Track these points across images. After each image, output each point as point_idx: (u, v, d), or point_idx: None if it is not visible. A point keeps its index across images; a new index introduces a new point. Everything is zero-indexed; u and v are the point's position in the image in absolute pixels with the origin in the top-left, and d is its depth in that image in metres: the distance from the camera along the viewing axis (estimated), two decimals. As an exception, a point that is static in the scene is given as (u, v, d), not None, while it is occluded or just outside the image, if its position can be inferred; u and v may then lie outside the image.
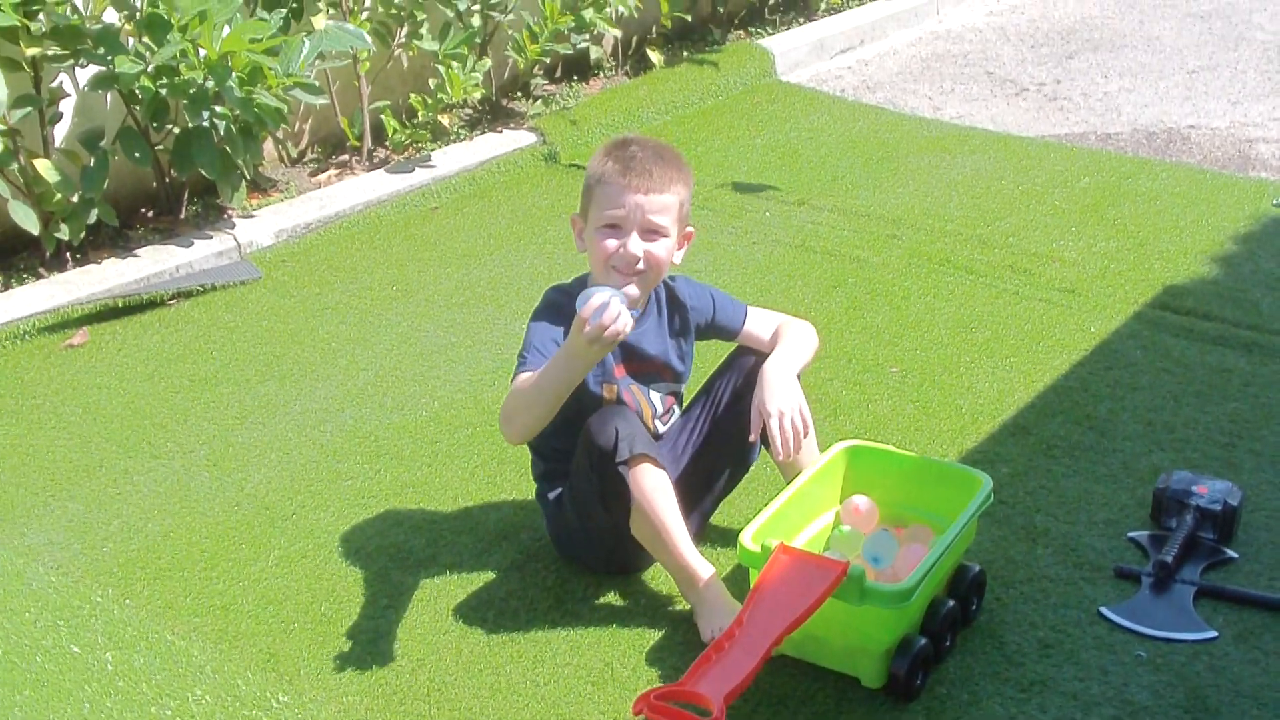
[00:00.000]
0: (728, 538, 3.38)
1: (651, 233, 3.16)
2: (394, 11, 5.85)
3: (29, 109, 4.78)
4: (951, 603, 3.06)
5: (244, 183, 5.25)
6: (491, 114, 6.46)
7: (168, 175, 5.28)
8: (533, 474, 3.45)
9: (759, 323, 3.41)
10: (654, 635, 3.16)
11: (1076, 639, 3.13)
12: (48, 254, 4.95)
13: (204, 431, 4.09)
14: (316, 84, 5.10)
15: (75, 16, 4.76)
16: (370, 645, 3.16)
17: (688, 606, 3.19)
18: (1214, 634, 3.15)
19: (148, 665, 3.11)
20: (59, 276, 4.90)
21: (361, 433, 4.04)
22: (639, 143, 3.22)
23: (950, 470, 3.34)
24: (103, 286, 4.85)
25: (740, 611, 2.81)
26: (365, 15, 5.85)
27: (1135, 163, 5.90)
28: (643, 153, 3.17)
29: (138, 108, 4.98)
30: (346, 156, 6.01)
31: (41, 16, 4.70)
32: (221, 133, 4.95)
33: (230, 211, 5.39)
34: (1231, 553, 3.41)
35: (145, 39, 4.78)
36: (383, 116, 5.90)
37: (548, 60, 6.51)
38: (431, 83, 5.96)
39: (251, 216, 5.37)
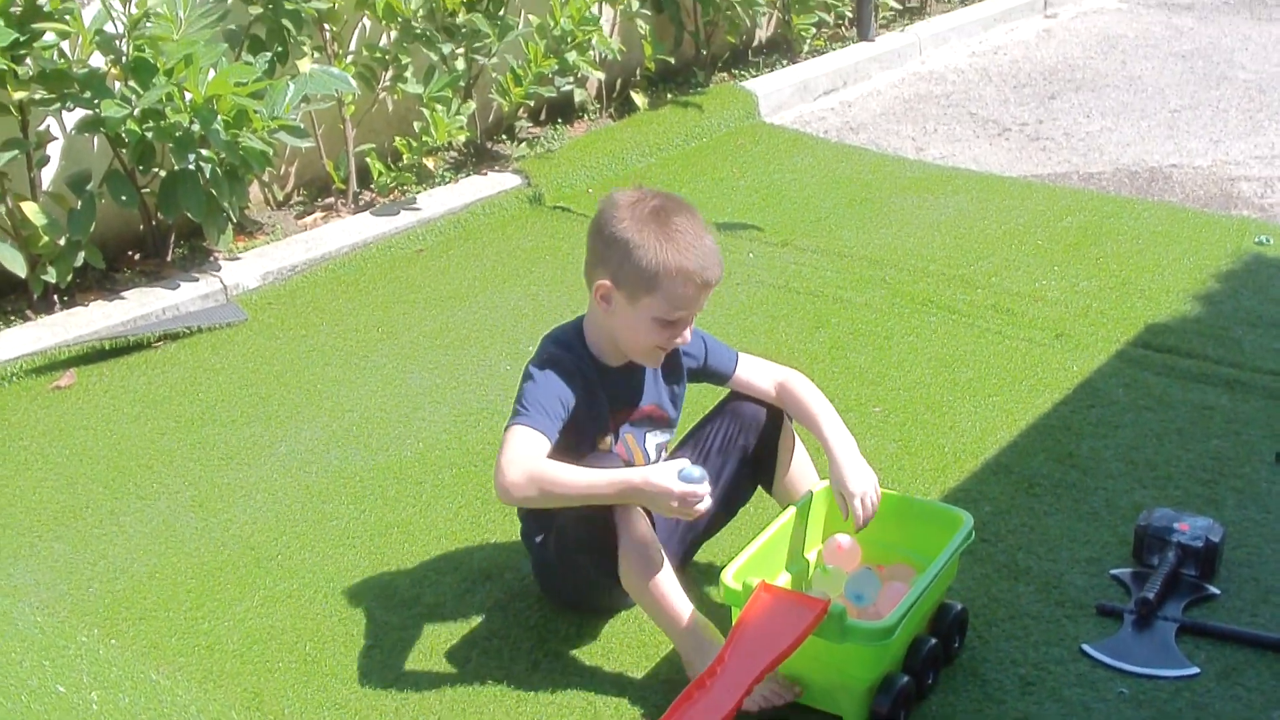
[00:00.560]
0: (710, 575, 3.40)
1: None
2: (378, 55, 5.89)
3: (16, 152, 4.80)
4: (933, 640, 3.07)
5: (230, 225, 5.27)
6: (476, 156, 6.49)
7: (154, 218, 5.30)
8: (519, 513, 3.44)
9: (751, 369, 3.42)
10: (637, 674, 3.17)
11: (1059, 676, 3.14)
12: (35, 296, 4.96)
13: (190, 473, 4.10)
14: (302, 127, 5.13)
15: (62, 61, 4.79)
16: (354, 685, 3.17)
17: (670, 645, 3.19)
18: (1196, 670, 3.16)
19: (133, 705, 3.11)
20: (46, 319, 4.91)
21: (346, 473, 4.06)
22: (687, 224, 3.10)
23: (932, 508, 3.36)
24: (89, 329, 4.86)
25: (722, 650, 2.83)
26: (350, 59, 5.89)
27: (1117, 202, 5.95)
28: (704, 241, 3.10)
29: (124, 151, 5.01)
30: (332, 199, 6.04)
31: (29, 60, 4.73)
32: (207, 175, 4.97)
33: (216, 254, 5.41)
34: (1214, 589, 3.43)
35: (131, 83, 4.81)
36: (368, 159, 5.93)
37: (532, 103, 6.56)
38: (416, 126, 5.99)
39: (237, 259, 5.40)
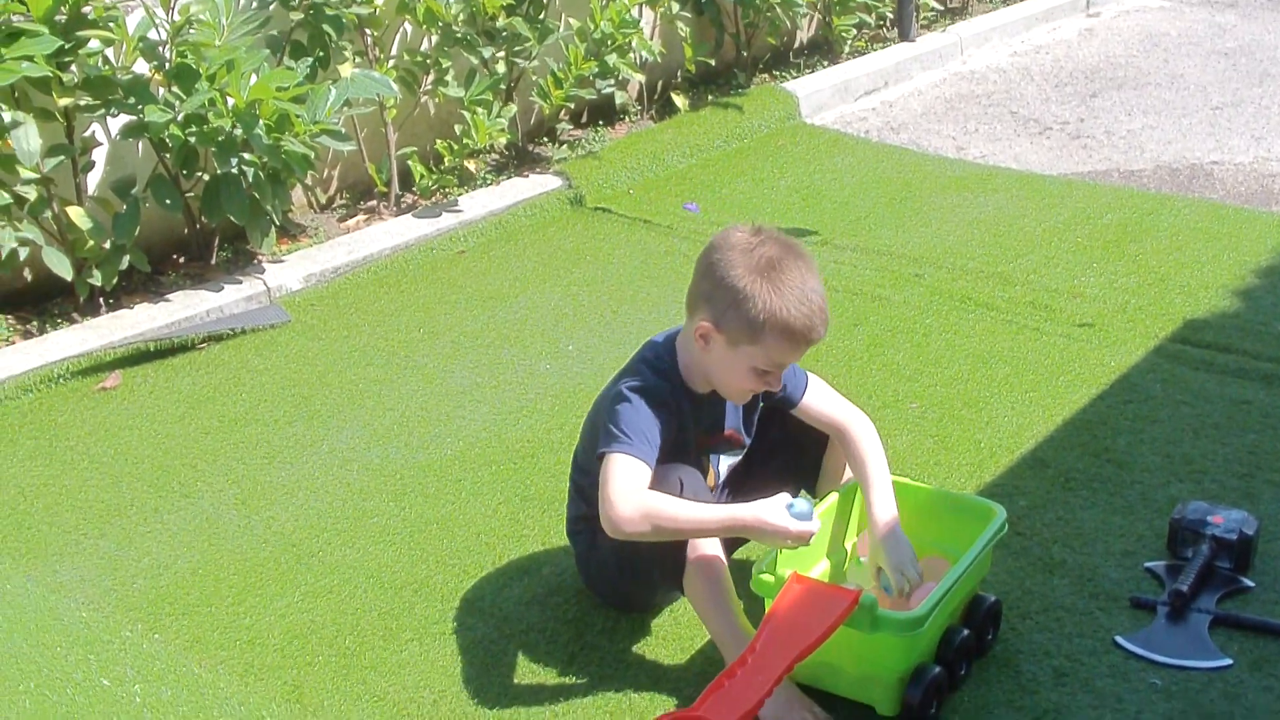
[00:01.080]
0: (745, 568, 3.42)
1: None
2: (419, 59, 5.94)
3: (62, 158, 4.88)
4: (966, 631, 3.09)
5: (273, 228, 5.33)
6: (518, 159, 6.53)
7: (198, 222, 5.37)
8: (569, 513, 3.46)
9: (819, 398, 3.38)
10: (672, 667, 3.21)
11: (1091, 668, 3.16)
12: (81, 299, 5.04)
13: (233, 471, 4.16)
14: (344, 131, 5.19)
15: (106, 67, 4.87)
16: (393, 677, 3.22)
17: (705, 638, 3.22)
18: (1229, 662, 3.17)
19: (175, 698, 3.16)
20: (92, 321, 4.98)
21: (387, 471, 4.10)
22: (799, 278, 3.06)
23: (965, 501, 3.38)
24: (135, 331, 4.93)
25: (754, 639, 2.85)
26: (391, 63, 5.94)
27: (1157, 199, 5.94)
28: (814, 297, 3.07)
29: (168, 156, 5.07)
30: (374, 202, 6.10)
31: (74, 67, 4.81)
32: (250, 179, 5.04)
33: (260, 257, 5.47)
34: (1248, 581, 3.43)
35: (175, 88, 4.88)
36: (410, 163, 5.98)
37: (573, 105, 6.59)
38: (457, 129, 6.03)
39: (281, 261, 5.46)
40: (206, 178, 5.12)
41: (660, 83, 7.35)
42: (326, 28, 5.48)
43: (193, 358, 4.89)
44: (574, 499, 3.43)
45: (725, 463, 3.38)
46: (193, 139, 4.90)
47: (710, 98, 7.26)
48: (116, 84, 4.86)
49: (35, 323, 5.04)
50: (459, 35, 5.90)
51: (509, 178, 6.29)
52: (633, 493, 2.97)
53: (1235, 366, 4.46)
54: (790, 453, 3.46)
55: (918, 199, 6.06)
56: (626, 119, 7.09)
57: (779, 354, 3.08)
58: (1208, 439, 4.07)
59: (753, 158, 6.70)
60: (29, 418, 4.52)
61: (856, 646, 2.92)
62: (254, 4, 5.35)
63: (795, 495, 3.05)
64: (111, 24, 4.77)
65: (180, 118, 4.86)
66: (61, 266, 4.87)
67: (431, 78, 6.01)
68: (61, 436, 4.40)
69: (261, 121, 4.87)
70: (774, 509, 2.98)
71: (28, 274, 5.17)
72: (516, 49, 6.13)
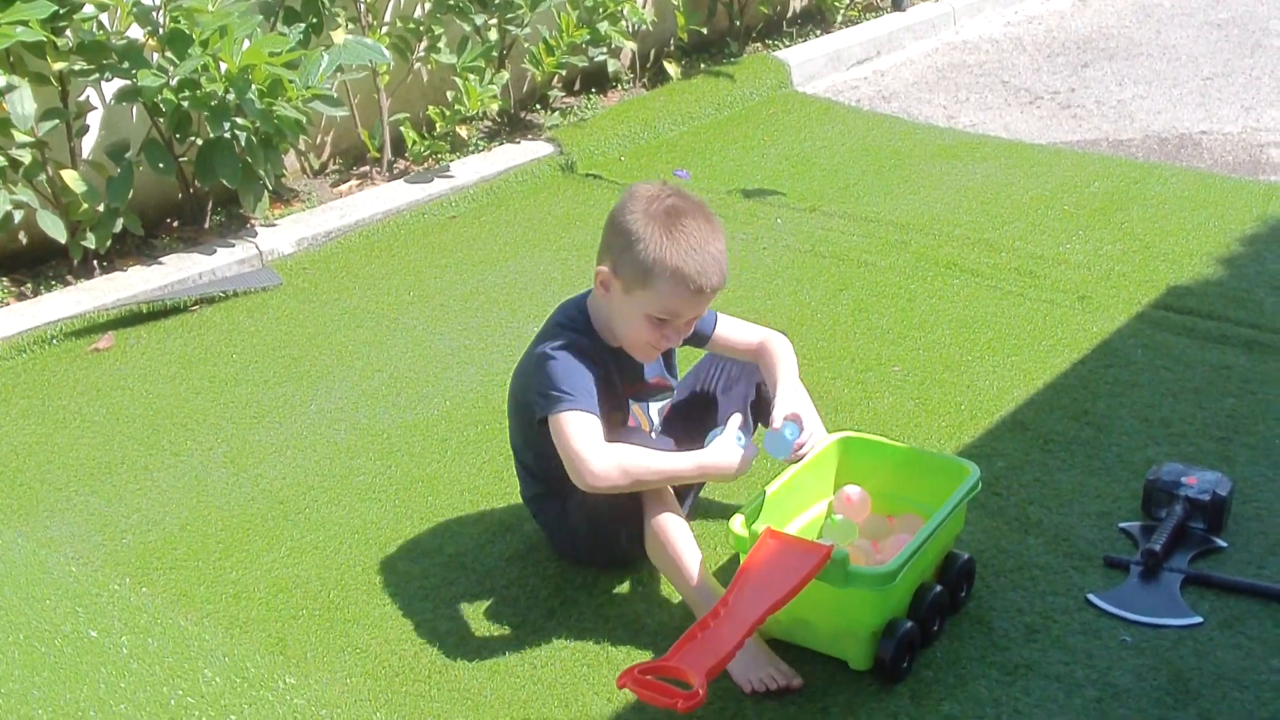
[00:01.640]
0: (722, 527, 3.48)
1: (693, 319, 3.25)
2: (412, 26, 5.98)
3: (56, 122, 4.92)
4: (939, 588, 3.13)
5: (266, 193, 5.37)
6: (510, 126, 6.57)
7: (192, 186, 5.41)
8: (524, 493, 3.50)
9: (730, 327, 3.46)
10: (649, 621, 3.25)
11: (1063, 625, 3.20)
12: (75, 262, 5.09)
13: (222, 430, 4.21)
14: (336, 96, 5.23)
15: (101, 32, 4.90)
16: (375, 630, 3.27)
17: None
18: (1199, 620, 3.20)
19: (161, 649, 3.22)
20: (86, 283, 5.04)
21: (374, 431, 4.15)
22: (696, 228, 3.10)
23: (939, 461, 3.41)
24: (128, 293, 4.98)
25: (726, 592, 2.90)
26: (384, 30, 5.98)
27: (1145, 168, 5.97)
28: (709, 247, 3.10)
29: (161, 120, 5.12)
30: (367, 168, 6.14)
31: (68, 32, 4.85)
32: (243, 144, 5.08)
33: (253, 221, 5.52)
34: (1221, 542, 3.47)
35: (168, 53, 4.92)
36: (402, 129, 6.02)
37: (565, 73, 6.63)
38: (450, 95, 6.07)
39: (273, 225, 5.50)
40: (200, 142, 5.15)
41: (653, 51, 7.38)
42: (319, -7, 5.51)
43: (185, 319, 4.94)
44: (525, 479, 3.47)
45: (655, 408, 3.43)
46: (186, 104, 4.94)
47: (703, 66, 7.29)
48: (111, 49, 4.90)
49: (30, 285, 5.09)
50: (451, 2, 5.93)
51: (501, 144, 6.32)
52: (600, 446, 3.03)
53: (1217, 332, 4.50)
54: (741, 391, 3.53)
55: (907, 167, 6.10)
56: (619, 87, 7.12)
57: (671, 299, 3.11)
58: (1187, 403, 4.11)
59: (744, 126, 6.73)
60: (23, 378, 4.57)
61: (830, 601, 2.96)
62: (247, -31, 5.38)
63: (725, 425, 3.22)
64: (106, -11, 4.81)
65: (174, 82, 4.91)
66: (56, 229, 4.91)
67: (424, 44, 6.05)
68: (54, 396, 4.45)
69: (254, 86, 4.90)
70: (728, 448, 3.08)
71: (23, 237, 5.22)
72: (509, 16, 6.16)
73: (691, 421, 3.47)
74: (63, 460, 4.08)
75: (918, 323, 4.67)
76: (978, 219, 5.47)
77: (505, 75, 6.17)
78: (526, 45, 6.43)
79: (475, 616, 3.30)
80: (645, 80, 7.22)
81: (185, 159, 5.29)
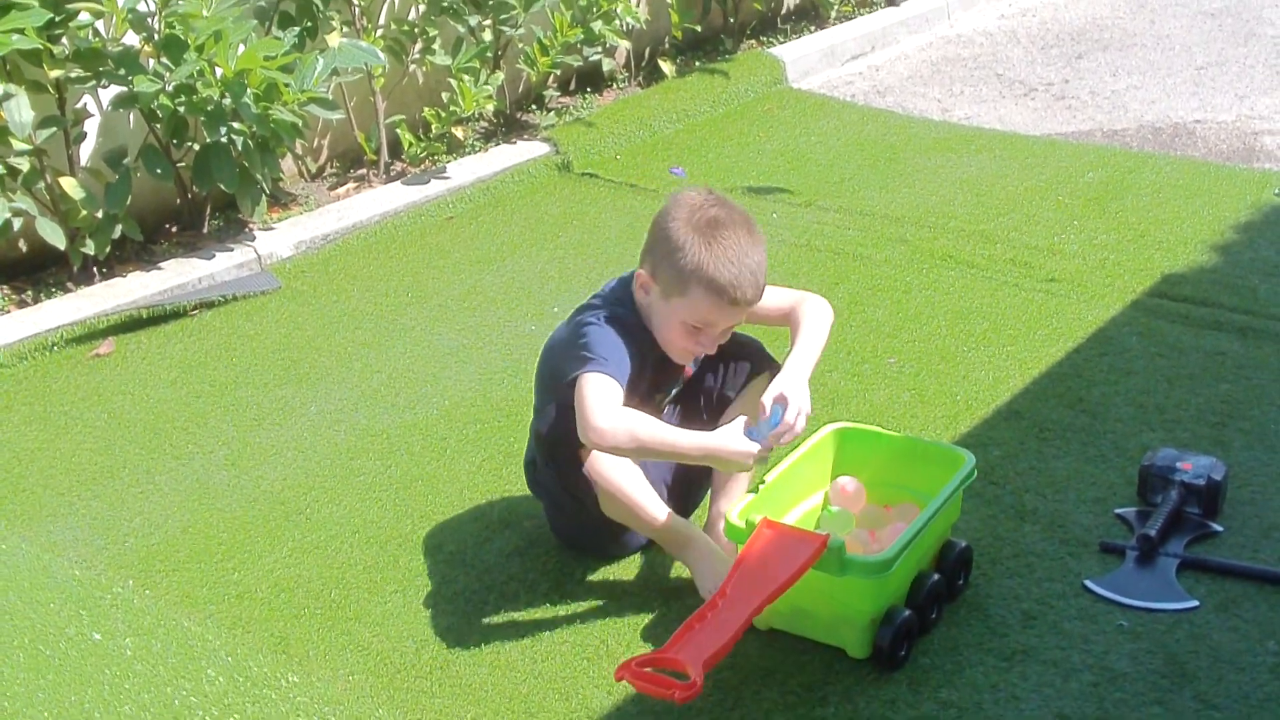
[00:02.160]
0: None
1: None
2: (406, 28, 6.00)
3: (54, 129, 4.94)
4: (936, 576, 3.15)
5: (264, 197, 5.39)
6: (506, 126, 6.59)
7: (190, 191, 5.44)
8: (526, 457, 3.54)
9: (769, 295, 3.31)
10: (648, 613, 3.28)
11: (1060, 610, 3.22)
12: (75, 268, 5.11)
13: (223, 433, 4.23)
14: (331, 99, 5.25)
15: (96, 39, 4.93)
16: (377, 627, 3.29)
17: (680, 586, 3.31)
18: (1195, 603, 3.23)
19: (165, 650, 3.24)
20: (86, 290, 5.06)
21: (374, 431, 4.18)
22: (736, 240, 3.12)
23: (935, 449, 3.43)
24: (128, 298, 5.00)
25: (724, 581, 2.92)
26: (379, 32, 6.00)
27: (1140, 157, 5.98)
28: (748, 259, 3.11)
29: (158, 126, 5.14)
30: (364, 170, 6.15)
31: (64, 40, 4.87)
32: (239, 148, 5.10)
33: (251, 225, 5.54)
34: (1217, 526, 3.49)
35: (163, 59, 4.93)
36: (398, 131, 6.04)
37: (560, 73, 6.65)
38: (445, 97, 6.09)
39: (271, 229, 5.53)
40: (197, 147, 5.17)
41: (647, 50, 7.39)
42: (313, -3, 5.54)
43: (185, 324, 4.97)
44: (533, 447, 3.45)
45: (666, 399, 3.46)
46: (182, 109, 4.96)
47: (697, 64, 7.30)
48: (106, 56, 4.92)
49: (30, 292, 5.12)
50: (445, 4, 5.94)
51: (497, 145, 6.34)
52: (616, 408, 3.02)
53: (1211, 319, 4.52)
54: (728, 396, 3.50)
55: (902, 161, 6.11)
56: (614, 86, 7.13)
57: (706, 310, 3.13)
58: (1182, 389, 4.13)
59: (739, 122, 6.75)
60: (24, 384, 4.60)
61: (827, 590, 2.98)
62: (241, -25, 5.40)
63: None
64: (100, -3, 4.84)
65: (170, 88, 4.93)
66: (55, 236, 4.94)
67: (419, 46, 6.06)
68: (56, 402, 4.48)
69: (250, 91, 4.92)
70: (735, 435, 3.05)
71: (22, 244, 5.24)
72: (503, 17, 6.17)
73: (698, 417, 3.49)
74: (65, 465, 4.10)
75: (913, 315, 4.69)
76: (973, 211, 5.49)
77: (500, 76, 6.19)
78: (521, 45, 6.44)
79: (475, 612, 3.33)
80: (640, 79, 7.24)
81: (183, 164, 5.31)
